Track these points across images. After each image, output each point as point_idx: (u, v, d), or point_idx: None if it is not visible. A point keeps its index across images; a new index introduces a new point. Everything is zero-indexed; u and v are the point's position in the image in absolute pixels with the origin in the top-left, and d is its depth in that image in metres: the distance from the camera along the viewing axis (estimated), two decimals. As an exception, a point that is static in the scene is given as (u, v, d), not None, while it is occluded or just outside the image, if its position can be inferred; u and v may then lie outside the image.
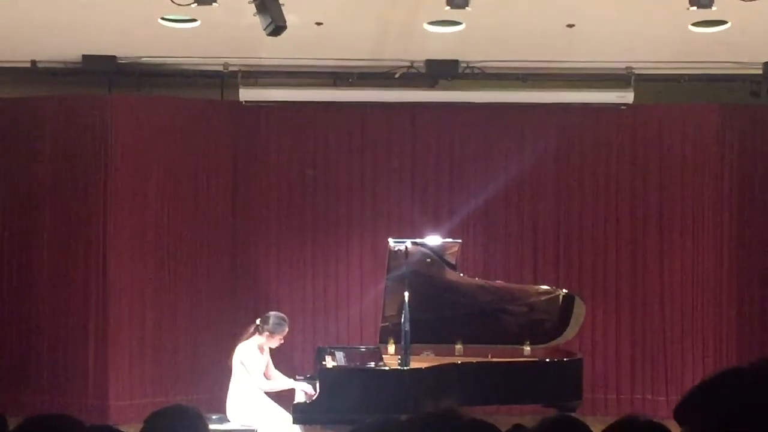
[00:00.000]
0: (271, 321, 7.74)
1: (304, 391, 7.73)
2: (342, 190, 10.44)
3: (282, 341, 7.79)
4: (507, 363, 7.96)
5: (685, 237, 10.29)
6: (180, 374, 10.10)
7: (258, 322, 7.79)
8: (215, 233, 10.28)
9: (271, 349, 7.87)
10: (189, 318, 10.16)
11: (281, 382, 7.87)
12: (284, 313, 8.03)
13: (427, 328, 8.10)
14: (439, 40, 9.05)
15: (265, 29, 7.19)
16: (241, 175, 10.40)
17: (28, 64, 9.86)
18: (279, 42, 7.90)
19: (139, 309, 10.01)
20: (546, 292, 8.52)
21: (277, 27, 7.07)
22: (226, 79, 10.12)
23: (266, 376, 7.82)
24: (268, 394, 7.80)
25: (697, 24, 8.53)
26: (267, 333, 7.70)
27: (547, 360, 8.07)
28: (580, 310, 8.38)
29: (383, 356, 8.02)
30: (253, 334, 7.75)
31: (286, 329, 7.76)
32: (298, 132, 10.43)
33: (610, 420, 2.70)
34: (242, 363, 7.62)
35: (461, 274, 8.40)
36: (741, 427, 2.35)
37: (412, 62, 9.90)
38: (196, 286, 10.20)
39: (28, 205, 10.04)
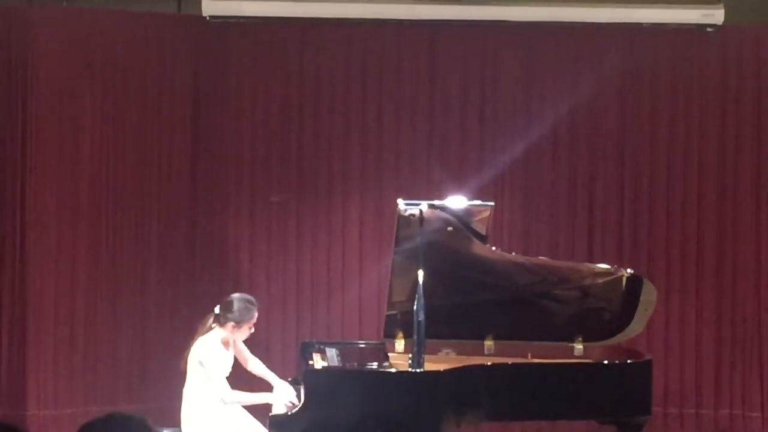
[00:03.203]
0: (235, 307, 7.67)
1: (285, 401, 7.65)
2: (336, 137, 10.41)
3: (252, 330, 7.74)
4: (552, 366, 7.95)
5: (793, 201, 10.47)
6: (120, 378, 10.10)
7: (217, 310, 7.71)
8: (168, 196, 10.32)
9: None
10: (133, 307, 10.19)
11: (252, 395, 7.78)
12: (259, 300, 8.00)
13: (448, 319, 8.06)
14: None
15: None
16: (203, 117, 10.38)
17: None
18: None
19: (68, 295, 10.01)
20: (605, 273, 8.42)
21: None
22: (185, -14, 10.34)
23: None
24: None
25: None
26: (232, 324, 7.65)
27: (606, 362, 8.03)
28: (649, 297, 8.28)
29: (389, 354, 8.05)
30: (212, 327, 7.72)
31: (255, 314, 7.72)
32: (279, 58, 10.37)
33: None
34: (201, 364, 7.57)
35: (493, 248, 8.28)
36: None
37: (431, -34, 10.10)
38: (143, 265, 10.23)
39: None
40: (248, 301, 7.72)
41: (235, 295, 7.81)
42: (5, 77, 9.89)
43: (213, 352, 7.59)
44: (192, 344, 7.69)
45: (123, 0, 10.16)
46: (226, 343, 7.70)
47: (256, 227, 10.38)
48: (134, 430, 3.18)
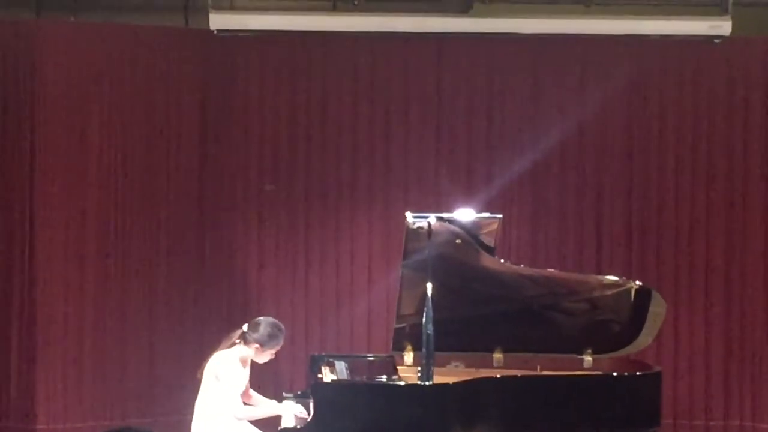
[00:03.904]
0: (261, 329, 7.65)
1: (294, 414, 7.67)
2: (345, 149, 10.38)
3: (273, 356, 7.73)
4: (561, 378, 7.93)
5: (806, 209, 10.33)
6: (130, 391, 10.04)
7: (245, 328, 7.69)
8: (177, 207, 10.27)
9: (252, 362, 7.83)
10: (142, 318, 10.14)
11: (263, 407, 7.80)
12: (269, 312, 8.18)
13: (457, 332, 8.09)
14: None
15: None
16: (211, 129, 10.35)
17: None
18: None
19: (77, 307, 9.98)
20: (613, 285, 8.48)
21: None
22: (193, 0, 10.17)
23: (243, 397, 7.78)
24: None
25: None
26: (256, 345, 7.62)
27: (615, 374, 8.03)
28: (658, 309, 8.36)
29: (398, 368, 8.04)
30: (236, 342, 7.69)
31: (281, 342, 7.70)
32: (286, 72, 10.34)
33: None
34: (218, 378, 7.53)
35: (501, 260, 8.36)
36: None
37: (438, -22, 10.10)
38: (151, 277, 10.17)
39: None
40: (277, 327, 7.67)
41: (264, 318, 7.76)
42: (13, 89, 9.89)
43: (230, 368, 7.54)
44: (208, 356, 7.67)
45: (130, 14, 10.16)
46: (244, 361, 7.65)
47: (264, 239, 10.30)
48: None
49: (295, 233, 10.37)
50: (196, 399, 7.65)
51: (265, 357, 7.69)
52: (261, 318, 7.76)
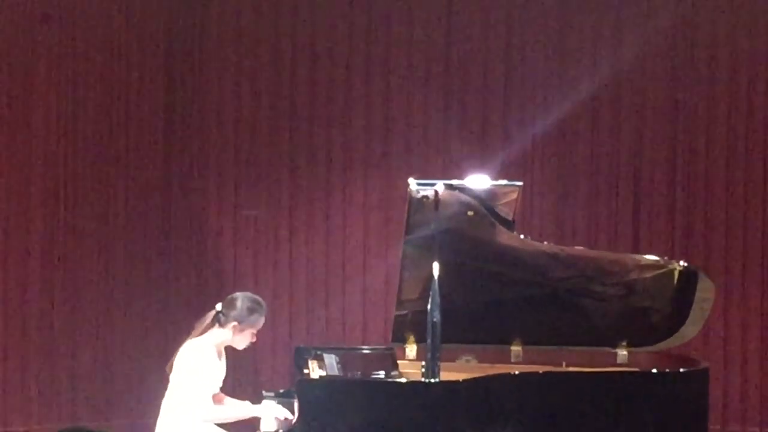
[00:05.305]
0: (239, 304, 7.47)
1: (275, 416, 7.45)
2: (337, 103, 10.41)
3: (254, 339, 7.57)
4: (591, 375, 7.82)
5: None
6: (82, 391, 10.07)
7: (218, 307, 7.49)
8: (137, 171, 10.31)
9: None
10: (96, 305, 10.13)
11: (236, 408, 7.65)
12: None
13: (468, 320, 8.00)
14: None
15: None
16: (178, 75, 10.46)
17: None
18: None
19: (18, 291, 9.94)
20: (653, 266, 8.28)
21: None
22: None
23: (213, 397, 7.59)
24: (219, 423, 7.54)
25: None
26: (233, 324, 7.42)
27: (655, 371, 7.90)
28: (706, 294, 8.18)
29: (398, 362, 7.91)
30: (210, 326, 7.48)
31: (262, 319, 7.53)
32: (268, 8, 10.44)
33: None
34: (190, 371, 7.31)
35: (521, 236, 8.11)
36: None
37: None
38: (106, 257, 10.20)
39: None
40: (256, 302, 7.56)
41: (242, 293, 7.65)
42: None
43: (203, 359, 7.36)
44: (176, 348, 7.47)
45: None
46: (219, 352, 7.53)
47: (241, 210, 10.38)
48: None
49: (278, 205, 10.44)
50: (163, 399, 7.48)
51: (245, 339, 7.50)
52: (237, 293, 7.63)
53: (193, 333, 7.47)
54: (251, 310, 7.46)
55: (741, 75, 10.26)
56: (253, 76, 10.39)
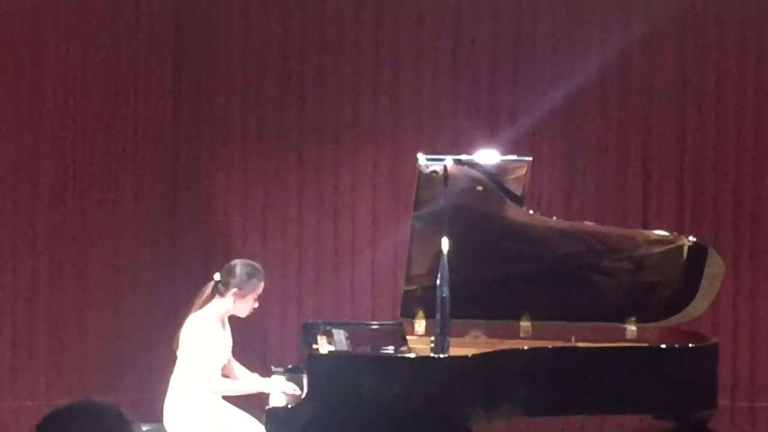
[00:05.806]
0: (238, 270, 7.61)
1: (283, 391, 7.57)
2: (345, 79, 10.38)
3: (257, 304, 7.66)
4: (600, 351, 7.91)
5: None
6: (90, 365, 10.04)
7: (217, 277, 7.62)
8: (145, 146, 10.29)
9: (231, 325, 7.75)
10: (103, 279, 10.12)
11: (246, 381, 7.78)
12: None
13: (477, 296, 8.05)
14: None
15: None
16: (187, 51, 10.40)
17: None
18: None
19: (27, 269, 9.94)
20: (663, 241, 8.36)
21: None
22: None
23: (223, 369, 7.68)
24: (227, 397, 7.66)
25: None
26: (234, 291, 7.56)
27: (664, 346, 7.98)
28: (715, 270, 8.22)
29: (407, 337, 7.94)
30: (210, 298, 7.61)
31: (262, 283, 7.67)
32: None
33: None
34: (195, 344, 7.46)
35: (530, 211, 8.23)
36: None
37: None
38: (115, 231, 10.17)
39: None
40: (254, 267, 7.67)
41: (238, 260, 7.77)
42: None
43: (209, 330, 7.48)
44: (181, 321, 7.60)
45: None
46: (223, 322, 7.63)
47: (249, 186, 10.39)
48: (109, 422, 3.17)
49: (286, 180, 10.42)
50: (171, 375, 7.63)
51: (246, 305, 7.63)
52: (234, 261, 7.81)
53: (194, 307, 7.64)
54: (250, 275, 7.62)
55: (750, 53, 10.19)
56: (263, 58, 10.35)
